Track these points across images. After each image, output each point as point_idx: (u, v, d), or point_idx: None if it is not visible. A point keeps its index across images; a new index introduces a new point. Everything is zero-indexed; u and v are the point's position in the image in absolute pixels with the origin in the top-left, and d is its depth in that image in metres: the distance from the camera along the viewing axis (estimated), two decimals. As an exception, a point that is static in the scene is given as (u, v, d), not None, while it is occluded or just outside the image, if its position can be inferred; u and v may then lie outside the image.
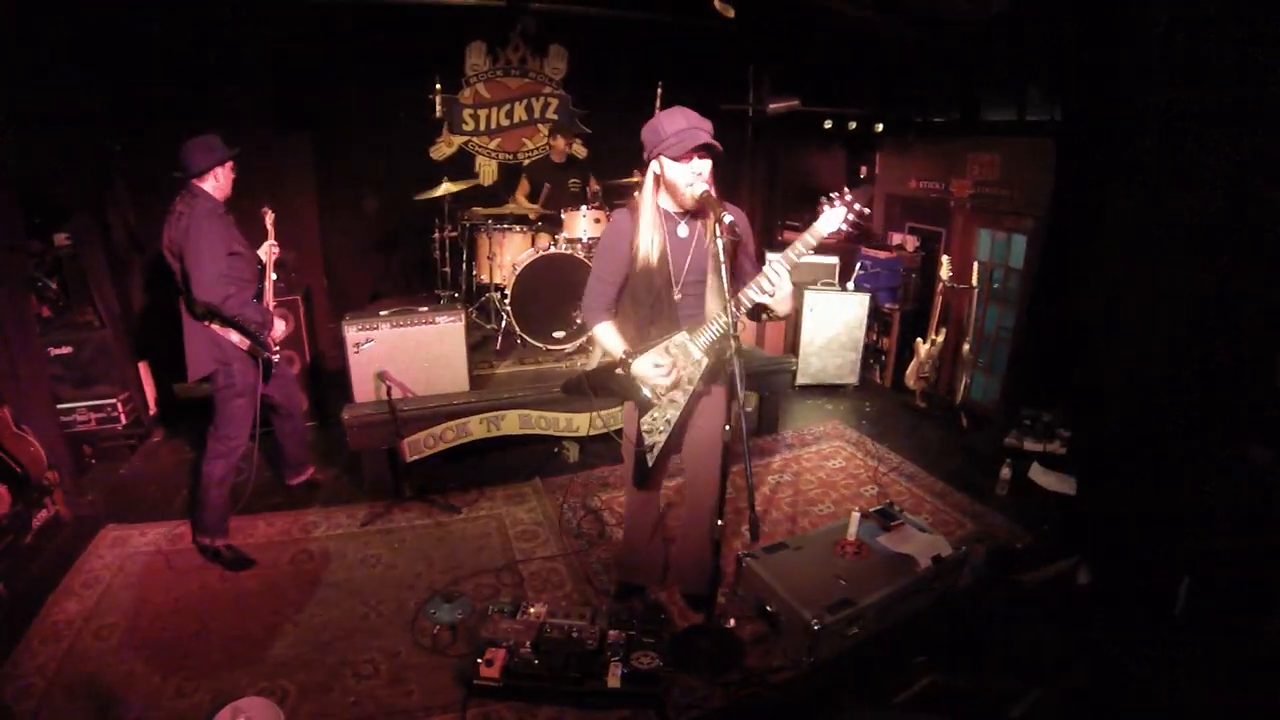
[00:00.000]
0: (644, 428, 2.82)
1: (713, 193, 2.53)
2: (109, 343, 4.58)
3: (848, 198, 2.46)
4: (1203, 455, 3.61)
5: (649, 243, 2.65)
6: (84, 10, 4.20)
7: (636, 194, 2.73)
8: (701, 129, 2.48)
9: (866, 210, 2.50)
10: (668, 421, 2.78)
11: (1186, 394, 4.01)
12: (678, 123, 2.48)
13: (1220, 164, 3.79)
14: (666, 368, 2.68)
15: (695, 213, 2.69)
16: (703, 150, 2.49)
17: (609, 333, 2.79)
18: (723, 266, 2.41)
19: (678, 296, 2.70)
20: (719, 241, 2.41)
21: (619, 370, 2.76)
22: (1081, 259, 4.70)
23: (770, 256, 2.57)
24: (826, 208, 2.48)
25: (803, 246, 2.46)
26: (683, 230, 2.70)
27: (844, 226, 2.50)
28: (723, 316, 2.55)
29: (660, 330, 2.73)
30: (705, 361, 2.69)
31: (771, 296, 2.52)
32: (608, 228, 2.82)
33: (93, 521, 3.92)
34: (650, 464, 2.87)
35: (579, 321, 4.93)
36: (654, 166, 2.60)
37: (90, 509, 4.02)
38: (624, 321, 2.82)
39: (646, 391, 2.74)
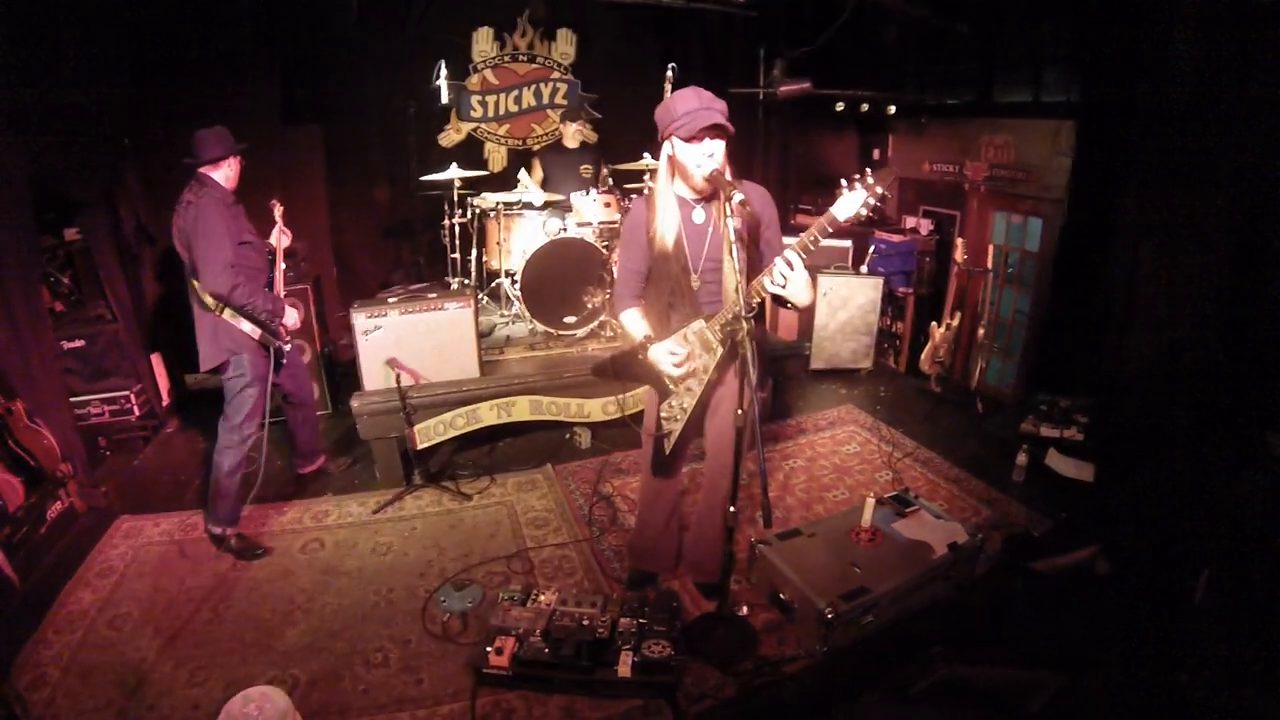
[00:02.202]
0: (662, 414, 2.81)
1: (725, 173, 2.46)
2: (121, 335, 4.61)
3: (869, 180, 2.30)
4: (1223, 443, 3.55)
5: (664, 229, 2.62)
6: (93, 5, 4.19)
7: (652, 180, 2.67)
8: (713, 109, 2.41)
9: (887, 194, 2.36)
10: (684, 409, 2.76)
11: (1207, 381, 3.95)
12: (689, 103, 2.42)
13: (1241, 154, 3.72)
14: (682, 355, 2.66)
15: (711, 197, 2.62)
16: (713, 130, 2.43)
17: (633, 319, 2.79)
18: (734, 247, 2.37)
19: (696, 284, 2.67)
20: (730, 222, 2.37)
21: (640, 356, 2.75)
22: (1100, 243, 4.62)
23: (785, 241, 2.51)
24: (845, 191, 2.33)
25: (818, 233, 2.36)
26: (698, 216, 2.66)
27: (863, 211, 2.35)
28: (737, 302, 2.47)
29: (681, 317, 2.71)
30: (722, 350, 2.65)
31: (784, 288, 2.43)
32: (627, 217, 2.80)
33: (107, 513, 3.95)
34: (667, 451, 2.86)
35: (590, 306, 4.89)
36: (666, 148, 2.55)
37: (104, 500, 4.04)
38: (649, 309, 2.80)
39: (662, 372, 2.72)
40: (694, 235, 2.64)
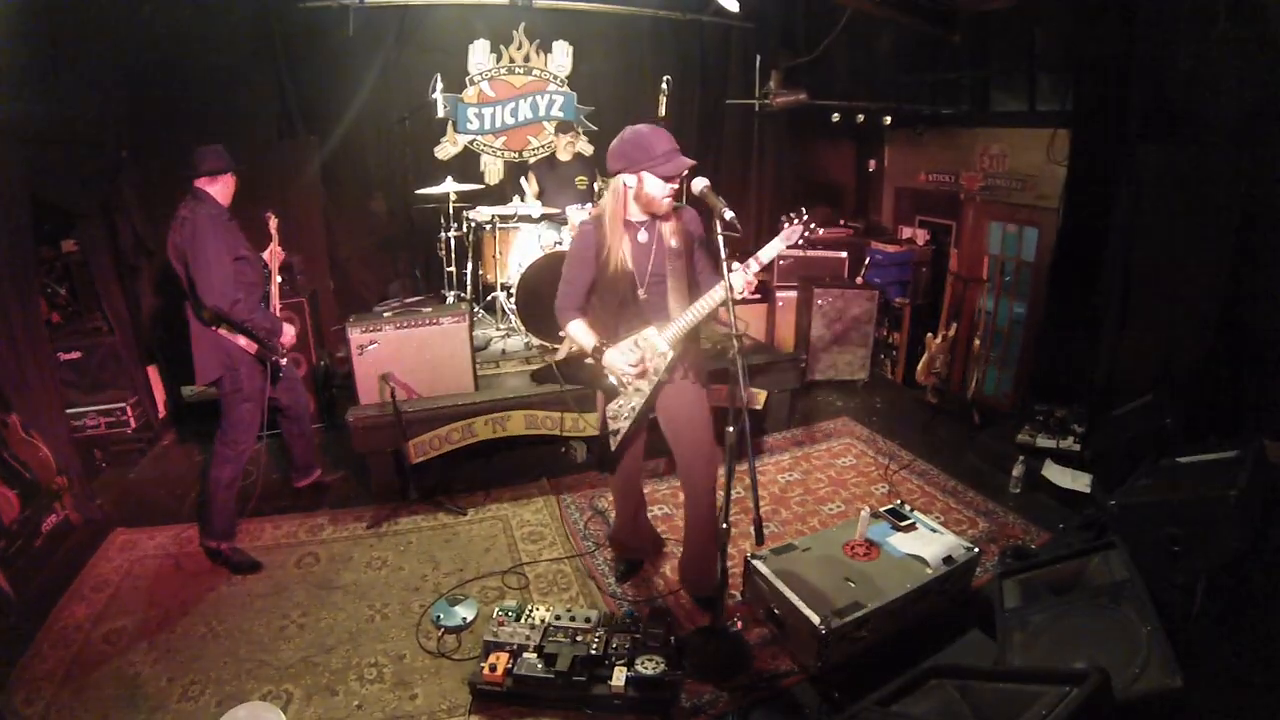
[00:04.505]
0: (609, 414, 3.03)
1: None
2: (117, 348, 4.61)
3: (805, 217, 2.67)
4: (1219, 447, 3.54)
5: (616, 250, 2.85)
6: (91, 17, 4.21)
7: (598, 204, 2.94)
8: (679, 149, 2.73)
9: (820, 231, 2.78)
10: (633, 409, 2.98)
11: (1203, 385, 3.95)
12: (664, 143, 2.70)
13: (1237, 157, 3.74)
14: (635, 359, 2.88)
15: (652, 219, 2.89)
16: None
17: (581, 328, 2.98)
18: (724, 265, 2.54)
19: (643, 296, 2.92)
20: (720, 238, 2.53)
21: (589, 360, 2.98)
22: (1095, 251, 4.63)
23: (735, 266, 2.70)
24: (785, 226, 2.70)
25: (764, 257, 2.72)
26: (643, 236, 2.90)
27: (799, 243, 2.74)
28: (687, 314, 2.80)
29: (628, 326, 2.93)
30: (671, 354, 2.88)
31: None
32: (575, 238, 3.01)
33: (102, 525, 3.94)
34: (614, 448, 3.08)
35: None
36: (626, 179, 2.76)
37: (99, 513, 4.03)
38: (594, 319, 3.00)
39: (613, 380, 2.95)
40: (639, 253, 2.89)
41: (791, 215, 2.69)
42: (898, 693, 2.46)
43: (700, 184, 2.61)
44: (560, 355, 3.19)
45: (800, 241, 2.72)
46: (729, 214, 2.45)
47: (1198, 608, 2.90)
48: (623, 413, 3.00)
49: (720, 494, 2.72)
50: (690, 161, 2.71)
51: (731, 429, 2.52)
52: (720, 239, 2.50)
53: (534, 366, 4.85)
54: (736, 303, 2.58)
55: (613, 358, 2.88)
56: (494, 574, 3.55)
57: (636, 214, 2.87)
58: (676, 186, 2.77)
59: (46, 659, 2.98)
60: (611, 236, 2.84)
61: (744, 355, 2.49)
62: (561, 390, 4.18)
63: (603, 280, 2.92)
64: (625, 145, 2.74)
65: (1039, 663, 2.66)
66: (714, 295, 2.72)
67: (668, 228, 2.87)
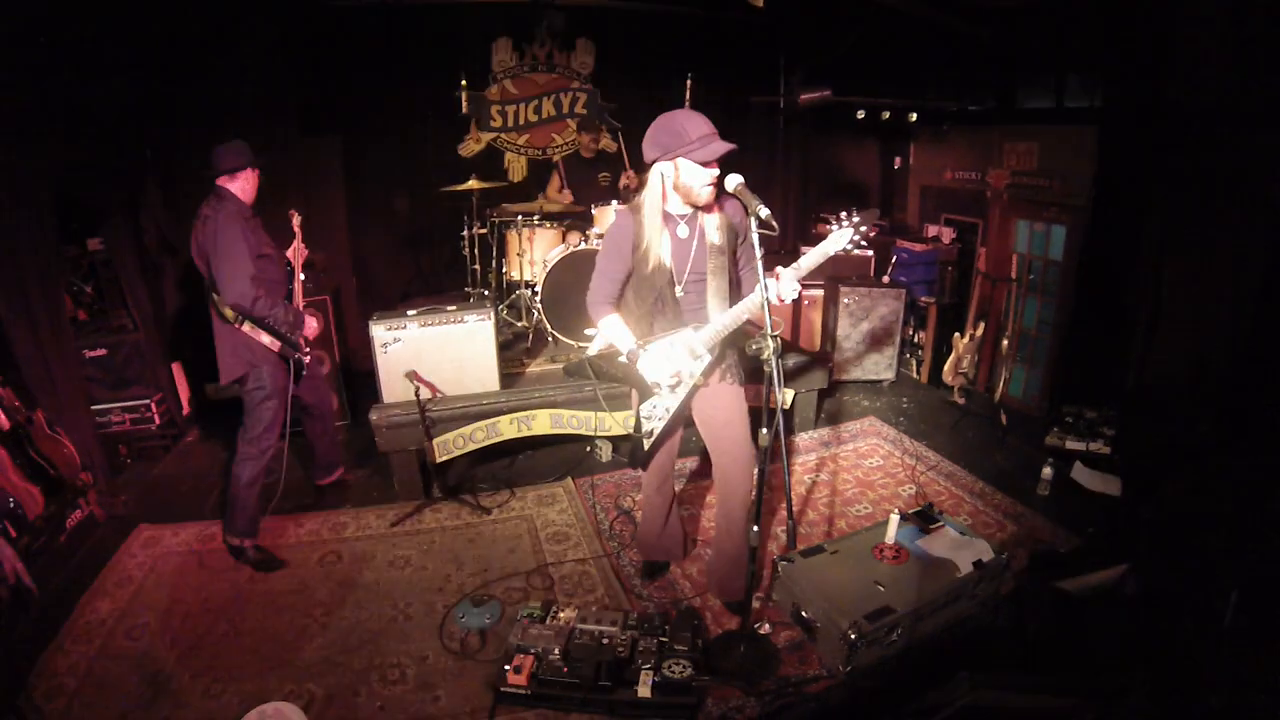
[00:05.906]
0: (643, 414, 2.93)
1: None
2: (142, 345, 4.64)
3: (855, 219, 2.48)
4: (1252, 458, 3.47)
5: (654, 244, 2.73)
6: (113, 17, 4.22)
7: (637, 196, 2.78)
8: (717, 133, 2.56)
9: (871, 233, 2.52)
10: (666, 410, 2.89)
11: (1236, 392, 3.86)
12: (700, 127, 2.54)
13: (1270, 158, 3.65)
14: (671, 371, 2.79)
15: (694, 212, 2.76)
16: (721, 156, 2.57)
17: (616, 325, 2.87)
18: (759, 265, 2.44)
19: (680, 294, 2.82)
20: (754, 235, 2.48)
21: (623, 359, 2.85)
22: (1125, 251, 4.54)
23: (780, 271, 2.59)
24: (834, 227, 2.51)
25: (808, 263, 2.55)
26: (683, 231, 2.77)
27: (849, 247, 2.52)
28: (726, 317, 2.70)
29: (664, 325, 2.84)
30: (708, 358, 2.80)
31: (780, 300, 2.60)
32: (611, 228, 2.89)
33: (126, 521, 3.95)
34: (647, 448, 2.99)
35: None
36: (663, 168, 2.65)
37: (124, 509, 4.05)
38: (627, 316, 2.90)
39: (648, 379, 2.83)
40: (679, 250, 2.77)
41: (841, 215, 2.49)
42: (929, 702, 2.42)
43: (734, 181, 2.48)
44: (592, 350, 3.12)
45: (850, 246, 2.51)
46: (764, 211, 2.34)
47: (1229, 620, 2.83)
48: (656, 412, 2.90)
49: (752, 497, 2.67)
50: (730, 145, 2.53)
51: (766, 430, 2.46)
52: (756, 237, 2.44)
53: (558, 365, 4.83)
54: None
55: (647, 366, 2.78)
56: (518, 574, 3.52)
57: (677, 206, 2.74)
58: (717, 173, 2.59)
59: (69, 654, 2.98)
60: (650, 230, 2.71)
61: (780, 357, 2.39)
62: (595, 386, 4.12)
63: (639, 276, 2.80)
64: (659, 132, 2.60)
65: (1069, 671, 2.61)
66: (754, 299, 2.57)
67: (711, 222, 2.73)
